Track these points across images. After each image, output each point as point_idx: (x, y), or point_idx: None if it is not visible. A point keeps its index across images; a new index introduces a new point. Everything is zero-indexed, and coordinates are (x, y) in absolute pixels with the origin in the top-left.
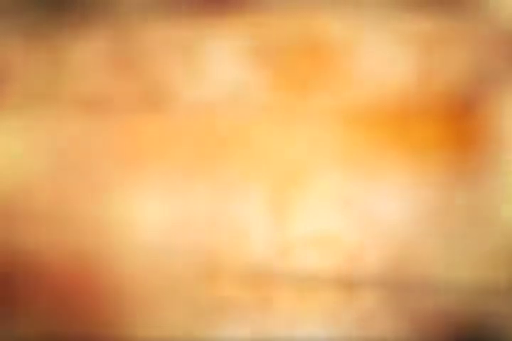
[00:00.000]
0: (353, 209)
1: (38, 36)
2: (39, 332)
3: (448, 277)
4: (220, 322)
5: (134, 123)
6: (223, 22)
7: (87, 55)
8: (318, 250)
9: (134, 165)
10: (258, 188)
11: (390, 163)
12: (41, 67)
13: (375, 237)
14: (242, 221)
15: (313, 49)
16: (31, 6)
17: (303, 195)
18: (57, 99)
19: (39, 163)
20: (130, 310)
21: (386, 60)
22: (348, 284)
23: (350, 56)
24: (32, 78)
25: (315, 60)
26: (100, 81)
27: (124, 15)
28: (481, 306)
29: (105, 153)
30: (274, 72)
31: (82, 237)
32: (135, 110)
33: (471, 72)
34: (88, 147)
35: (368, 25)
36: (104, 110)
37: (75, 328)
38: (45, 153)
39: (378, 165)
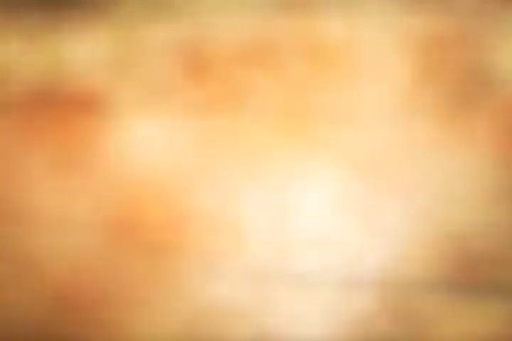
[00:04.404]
0: (353, 209)
1: (38, 36)
2: (38, 332)
3: (447, 277)
4: (219, 322)
5: (133, 123)
6: (224, 22)
7: (87, 55)
8: (318, 250)
9: (133, 165)
10: (258, 188)
11: (390, 162)
12: (41, 67)
13: (375, 237)
14: (242, 221)
15: (313, 49)
16: (31, 6)
17: (303, 195)
18: (57, 98)
19: (37, 163)
20: (129, 310)
21: (386, 60)
22: (348, 284)
23: (350, 56)
24: (32, 78)
25: (315, 60)
26: (100, 81)
27: (124, 15)
28: (480, 305)
29: (105, 153)
30: (274, 72)
31: (82, 237)
32: (135, 110)
33: (471, 72)
34: (88, 147)
35: (368, 25)
36: (104, 110)
37: (74, 328)
38: (45, 152)
39: (378, 165)
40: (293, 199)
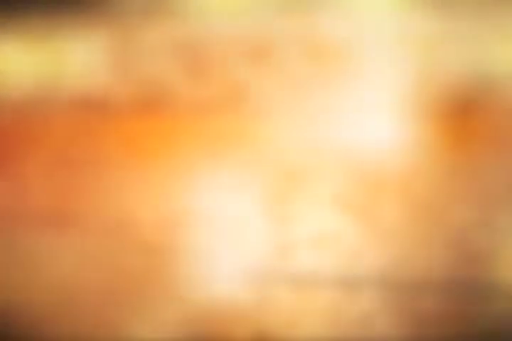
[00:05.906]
0: (352, 209)
1: (38, 36)
2: (38, 332)
3: (447, 277)
4: (219, 322)
5: (133, 123)
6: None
7: (86, 55)
8: (318, 250)
9: (134, 165)
10: (258, 188)
11: (391, 162)
12: (41, 67)
13: (375, 237)
14: (242, 221)
15: (313, 49)
16: (31, 7)
17: (303, 195)
18: (56, 98)
19: (36, 164)
20: (128, 310)
21: (386, 59)
22: (348, 284)
23: (350, 56)
24: (31, 78)
25: (315, 59)
26: (100, 81)
27: (124, 15)
28: (480, 305)
29: (104, 153)
30: (274, 72)
31: (81, 237)
32: (135, 110)
33: (470, 72)
34: (88, 147)
35: (368, 25)
36: (104, 110)
37: (74, 328)
38: (44, 152)
39: (378, 164)
40: (293, 199)
